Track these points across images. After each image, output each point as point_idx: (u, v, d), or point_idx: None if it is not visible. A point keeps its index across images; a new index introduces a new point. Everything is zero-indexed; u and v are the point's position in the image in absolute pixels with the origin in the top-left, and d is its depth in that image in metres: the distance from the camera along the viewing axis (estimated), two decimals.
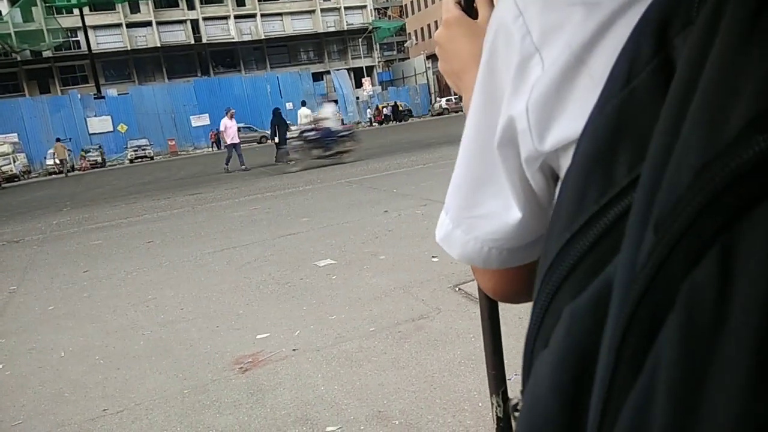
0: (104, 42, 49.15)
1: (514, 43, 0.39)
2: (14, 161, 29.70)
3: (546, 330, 0.32)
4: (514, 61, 0.39)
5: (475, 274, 0.52)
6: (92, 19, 46.74)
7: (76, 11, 43.32)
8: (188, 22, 52.06)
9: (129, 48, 49.62)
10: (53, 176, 30.42)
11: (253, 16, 53.87)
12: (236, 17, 53.33)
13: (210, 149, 39.33)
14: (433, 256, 4.51)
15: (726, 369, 0.20)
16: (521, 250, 0.46)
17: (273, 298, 4.22)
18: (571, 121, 0.37)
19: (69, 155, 31.07)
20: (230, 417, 2.60)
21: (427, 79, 50.93)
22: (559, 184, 0.38)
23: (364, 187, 9.30)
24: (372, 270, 4.54)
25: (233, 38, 53.11)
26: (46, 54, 47.04)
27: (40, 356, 3.68)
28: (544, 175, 0.41)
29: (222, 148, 23.75)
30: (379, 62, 59.99)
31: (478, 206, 0.45)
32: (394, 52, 68.92)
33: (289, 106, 37.62)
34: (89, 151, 34.98)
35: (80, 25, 42.84)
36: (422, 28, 60.61)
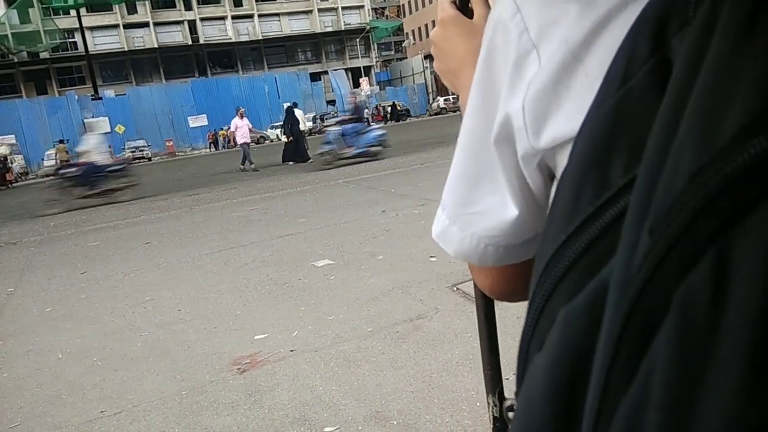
0: (101, 43, 49.12)
1: (511, 40, 0.40)
2: (12, 162, 29.67)
3: (541, 332, 0.32)
4: (511, 57, 0.40)
5: (472, 271, 0.52)
6: (89, 20, 46.64)
7: (73, 12, 43.15)
8: (185, 23, 52.06)
9: (126, 49, 49.60)
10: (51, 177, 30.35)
11: (251, 16, 53.91)
12: (233, 18, 53.35)
13: (208, 150, 39.32)
14: (431, 256, 4.51)
15: (721, 372, 0.20)
16: (518, 248, 0.46)
17: (271, 299, 4.21)
18: (567, 119, 0.37)
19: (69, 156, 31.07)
20: (228, 418, 2.60)
21: (425, 79, 51.04)
22: (556, 183, 0.37)
23: (361, 187, 9.30)
24: (370, 270, 4.54)
25: (230, 39, 53.14)
26: (43, 55, 47.01)
27: (37, 358, 3.68)
28: (542, 173, 0.41)
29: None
30: (376, 62, 60.08)
31: (474, 203, 0.45)
32: (392, 52, 69.05)
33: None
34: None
35: (77, 26, 42.66)
36: (420, 28, 60.68)
